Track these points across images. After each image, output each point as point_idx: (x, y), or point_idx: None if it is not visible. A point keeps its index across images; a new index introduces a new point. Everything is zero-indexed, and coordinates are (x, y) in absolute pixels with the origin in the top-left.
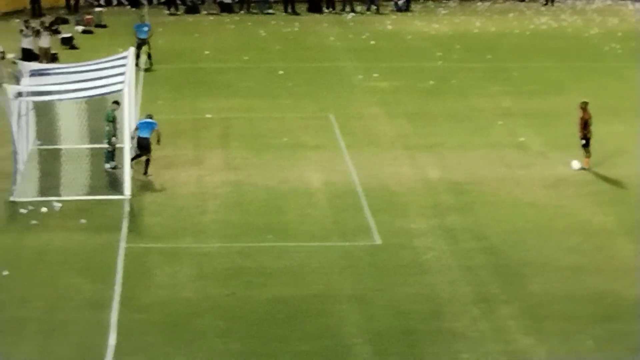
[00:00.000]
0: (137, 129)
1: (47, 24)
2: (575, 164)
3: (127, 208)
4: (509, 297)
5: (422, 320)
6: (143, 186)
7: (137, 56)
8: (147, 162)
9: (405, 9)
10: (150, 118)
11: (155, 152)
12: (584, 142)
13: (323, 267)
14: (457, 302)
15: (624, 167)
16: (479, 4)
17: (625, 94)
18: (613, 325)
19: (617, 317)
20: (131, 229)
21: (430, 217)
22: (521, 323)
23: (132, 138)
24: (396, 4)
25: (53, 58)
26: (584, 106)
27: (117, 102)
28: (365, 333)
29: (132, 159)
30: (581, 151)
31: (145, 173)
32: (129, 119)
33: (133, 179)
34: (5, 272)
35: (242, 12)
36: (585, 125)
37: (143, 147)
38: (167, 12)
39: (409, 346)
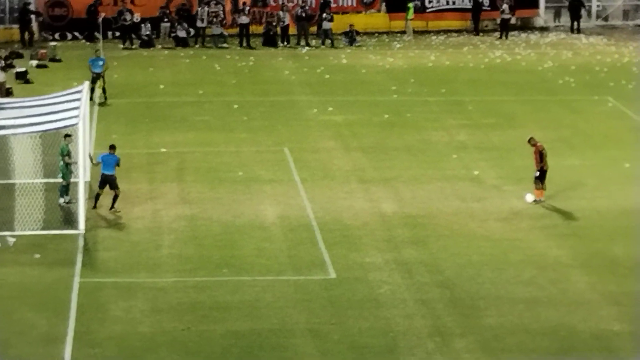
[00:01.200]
0: (99, 163)
1: (1, 58)
2: (529, 197)
3: (81, 243)
4: (464, 330)
5: (377, 354)
6: (97, 221)
7: (92, 90)
8: (115, 197)
9: (351, 43)
10: (113, 149)
11: None
12: (538, 174)
13: (278, 301)
14: (412, 336)
15: (578, 200)
16: (434, 37)
17: (580, 127)
18: (567, 358)
19: (572, 350)
20: (85, 264)
21: (385, 251)
22: (476, 356)
23: (93, 164)
24: (346, 38)
25: (7, 92)
26: (533, 142)
27: (68, 135)
28: None
29: (97, 197)
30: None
31: (112, 208)
32: (83, 154)
33: (88, 213)
34: None
35: (197, 46)
36: (541, 157)
37: (110, 184)
38: (122, 46)
39: None
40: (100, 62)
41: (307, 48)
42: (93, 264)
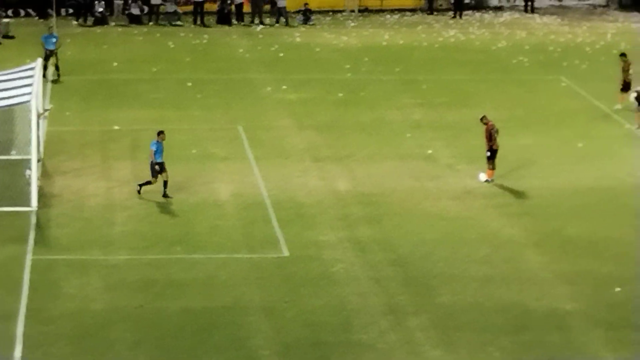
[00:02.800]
0: (154, 152)
1: None
2: (482, 176)
3: (33, 220)
4: (418, 308)
5: (330, 331)
6: (50, 198)
7: (45, 67)
8: (165, 183)
9: (305, 21)
10: (161, 136)
11: (64, 163)
12: (489, 154)
13: (232, 279)
14: (365, 314)
15: (531, 179)
16: (388, 16)
17: (533, 106)
18: (521, 336)
19: (525, 328)
20: (38, 241)
21: (339, 229)
22: (430, 334)
23: (152, 163)
24: (300, 16)
25: None
26: (485, 121)
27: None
28: (274, 345)
29: (142, 185)
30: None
31: (165, 195)
32: (36, 131)
33: (40, 190)
34: None
35: (150, 23)
36: (490, 137)
37: (161, 171)
38: (76, 23)
39: (317, 358)
40: (54, 39)
41: (261, 26)
42: (46, 242)
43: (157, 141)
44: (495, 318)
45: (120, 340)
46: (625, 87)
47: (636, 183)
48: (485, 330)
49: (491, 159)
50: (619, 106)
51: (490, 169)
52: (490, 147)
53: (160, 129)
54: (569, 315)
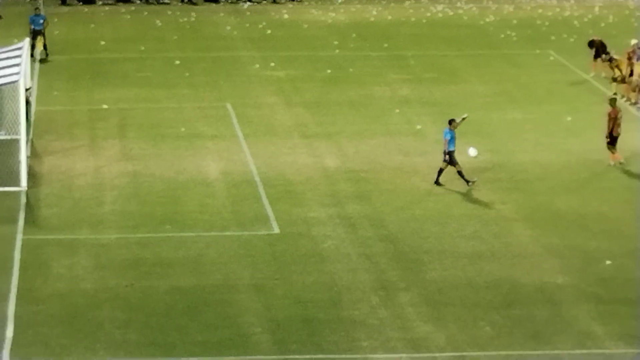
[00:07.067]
0: (447, 140)
1: None
2: (472, 151)
3: (23, 200)
4: (408, 284)
5: (321, 308)
6: (39, 178)
7: (33, 47)
8: (460, 173)
9: None
10: (452, 124)
11: (53, 142)
12: (608, 139)
13: (222, 257)
14: (356, 290)
15: (521, 154)
16: None
17: (521, 81)
18: (511, 311)
19: (515, 303)
20: (28, 221)
21: (329, 206)
22: (420, 310)
23: (445, 153)
24: None
25: None
26: (613, 104)
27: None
28: (264, 322)
29: (439, 174)
30: (476, 138)
31: (468, 182)
32: (24, 111)
33: (29, 170)
34: None
35: (138, 2)
36: (614, 121)
37: (452, 162)
38: (62, 2)
39: (308, 335)
40: (41, 20)
41: (248, 3)
42: (35, 221)
43: (449, 129)
44: (485, 293)
45: (110, 320)
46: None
47: (625, 156)
48: (476, 305)
49: (612, 144)
50: (592, 74)
51: (613, 153)
52: (610, 133)
53: (451, 118)
54: (559, 289)
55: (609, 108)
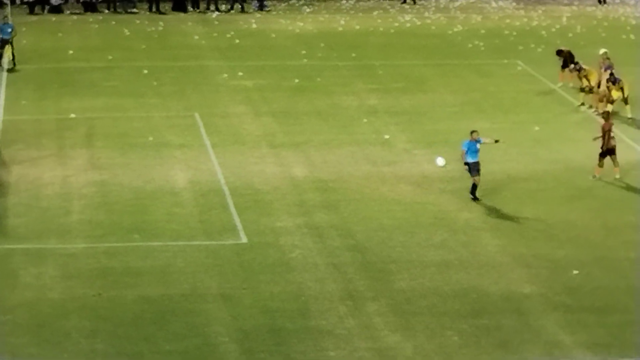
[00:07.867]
0: (465, 152)
1: None
2: (440, 161)
3: None
4: (376, 294)
5: (289, 318)
6: (7, 187)
7: (0, 56)
8: (475, 186)
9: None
10: (473, 134)
11: (20, 152)
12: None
13: (189, 267)
14: (324, 300)
15: (488, 164)
16: (343, 2)
17: (489, 90)
18: (478, 320)
19: (483, 312)
20: None
21: (296, 215)
22: (388, 320)
23: (465, 163)
24: (255, 3)
25: None
26: (606, 117)
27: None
28: (232, 332)
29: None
30: (444, 148)
31: (475, 198)
32: None
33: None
34: None
35: (106, 11)
36: (606, 134)
37: (476, 171)
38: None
39: (276, 344)
40: (9, 29)
41: (217, 13)
42: (3, 231)
43: (470, 141)
44: (453, 302)
45: (77, 329)
46: (606, 152)
47: (592, 166)
48: (444, 315)
49: (602, 156)
50: (560, 84)
51: (600, 166)
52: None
53: (474, 129)
54: (527, 298)
55: (602, 121)
